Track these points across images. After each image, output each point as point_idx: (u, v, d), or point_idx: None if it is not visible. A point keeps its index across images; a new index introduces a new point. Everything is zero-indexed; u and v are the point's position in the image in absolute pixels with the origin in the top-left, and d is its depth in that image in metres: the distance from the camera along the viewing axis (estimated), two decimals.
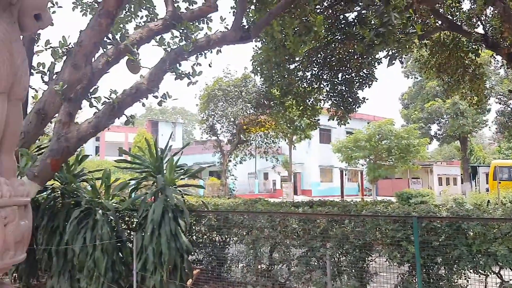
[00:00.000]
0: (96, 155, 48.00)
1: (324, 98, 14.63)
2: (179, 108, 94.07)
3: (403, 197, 21.77)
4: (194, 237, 7.05)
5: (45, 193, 6.78)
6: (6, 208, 2.40)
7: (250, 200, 10.42)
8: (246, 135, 17.87)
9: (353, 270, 5.95)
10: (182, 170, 6.48)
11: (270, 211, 6.50)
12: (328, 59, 13.38)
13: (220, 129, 18.20)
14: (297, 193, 39.77)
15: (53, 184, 6.91)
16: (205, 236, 7.14)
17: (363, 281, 5.92)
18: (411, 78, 44.05)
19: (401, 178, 41.18)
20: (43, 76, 6.54)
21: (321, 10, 11.09)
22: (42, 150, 7.02)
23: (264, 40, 11.81)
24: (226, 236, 7.04)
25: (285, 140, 20.13)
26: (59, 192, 6.71)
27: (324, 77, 13.98)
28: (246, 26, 8.21)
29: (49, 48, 6.20)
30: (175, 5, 8.01)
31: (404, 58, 14.48)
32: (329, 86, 14.15)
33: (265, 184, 43.00)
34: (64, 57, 6.12)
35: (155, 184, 6.40)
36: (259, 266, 6.60)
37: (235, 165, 19.22)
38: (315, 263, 6.26)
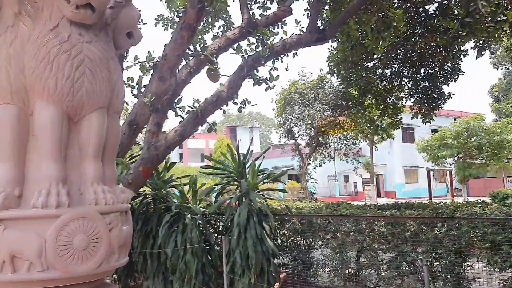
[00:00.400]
0: (180, 162, 50.30)
1: (406, 96, 14.02)
2: (255, 113, 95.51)
3: (498, 198, 20.04)
4: (279, 241, 7.09)
5: (138, 199, 7.21)
6: (110, 214, 2.58)
7: (332, 203, 10.25)
8: (325, 137, 17.62)
9: (449, 276, 5.59)
10: (264, 174, 6.55)
11: (355, 215, 6.34)
12: (408, 55, 12.80)
13: (298, 132, 18.13)
14: (380, 196, 38.42)
15: (145, 190, 7.34)
16: (290, 240, 7.14)
17: (461, 287, 5.54)
18: (501, 69, 40.64)
19: (495, 177, 38.09)
20: (132, 89, 6.99)
21: (399, 4, 10.64)
22: (135, 159, 7.50)
23: (339, 39, 11.61)
24: (311, 240, 6.99)
25: (365, 141, 19.56)
26: (150, 198, 7.11)
27: (405, 73, 13.38)
28: (321, 27, 8.13)
29: (137, 63, 6.61)
30: (250, 12, 8.17)
31: (493, 48, 13.41)
32: (411, 82, 13.53)
33: (346, 187, 42.10)
34: (151, 71, 6.50)
35: (239, 188, 6.54)
36: (347, 271, 6.45)
37: (315, 168, 19.02)
38: (406, 268, 5.99)
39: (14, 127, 2.46)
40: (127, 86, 7.02)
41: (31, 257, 2.30)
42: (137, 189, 6.75)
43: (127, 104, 7.34)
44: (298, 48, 7.90)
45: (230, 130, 58.82)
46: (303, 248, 7.07)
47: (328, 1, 9.26)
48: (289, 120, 17.51)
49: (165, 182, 7.17)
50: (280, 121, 17.89)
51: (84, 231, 2.42)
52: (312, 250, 7.04)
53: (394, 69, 13.69)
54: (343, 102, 14.87)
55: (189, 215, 6.46)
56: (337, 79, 15.03)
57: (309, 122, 16.92)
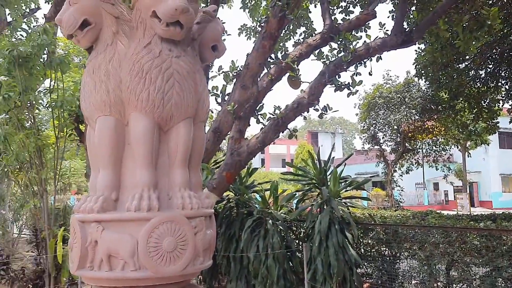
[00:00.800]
0: (262, 167, 51.05)
1: (503, 98, 12.94)
2: (338, 118, 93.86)
3: None
4: (362, 250, 6.90)
5: (222, 203, 7.46)
6: (195, 218, 2.72)
7: (420, 212, 9.75)
8: (412, 143, 16.81)
9: None
10: (347, 182, 6.43)
11: (445, 226, 5.97)
12: (505, 54, 11.80)
13: (383, 138, 17.50)
14: (473, 205, 35.66)
15: (228, 195, 7.58)
16: (373, 250, 6.92)
17: None
18: None
19: None
20: (217, 98, 7.27)
21: (494, 1, 9.87)
22: (218, 164, 7.78)
23: (427, 41, 11.06)
24: (396, 251, 6.71)
25: (457, 147, 18.30)
26: (233, 202, 7.31)
27: (502, 74, 12.35)
28: (407, 29, 7.80)
29: (221, 73, 6.87)
30: (332, 17, 8.09)
31: None
32: (508, 84, 12.46)
33: (435, 195, 39.68)
34: (234, 80, 6.71)
35: (320, 195, 6.48)
36: (435, 284, 6.09)
37: (401, 175, 18.20)
38: (502, 285, 5.51)
39: (112, 137, 2.70)
40: (212, 95, 7.32)
41: (125, 257, 2.50)
42: (221, 194, 6.98)
43: (212, 112, 7.64)
44: (383, 52, 7.65)
45: (311, 135, 58.47)
46: (388, 258, 6.80)
47: (415, 1, 8.86)
48: (373, 125, 16.97)
49: (247, 188, 7.34)
50: (364, 126, 17.41)
51: (172, 234, 2.57)
52: (398, 261, 6.75)
53: (489, 70, 12.71)
54: (432, 106, 14.08)
55: (270, 221, 6.54)
56: (425, 82, 14.30)
57: (395, 127, 16.25)
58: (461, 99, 13.47)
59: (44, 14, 13.58)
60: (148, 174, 2.67)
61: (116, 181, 2.71)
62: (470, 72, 12.92)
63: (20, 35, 14.14)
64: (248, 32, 10.97)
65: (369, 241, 6.90)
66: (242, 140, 7.15)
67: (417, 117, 15.69)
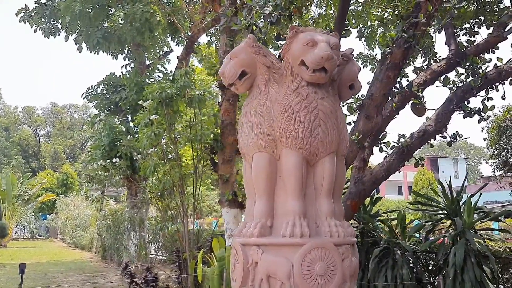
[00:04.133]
0: (376, 194, 49.29)
1: None
2: (460, 142, 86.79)
3: None
4: (501, 286, 6.40)
5: None
6: (342, 246, 2.95)
7: None
8: None
9: None
10: (482, 213, 6.10)
11: None
12: None
13: None
14: None
15: (352, 223, 7.64)
16: None
17: None
18: None
19: None
20: None
21: None
22: (343, 193, 7.92)
23: None
24: None
25: None
26: (358, 231, 7.35)
27: None
28: None
29: (345, 105, 7.10)
30: (458, 40, 7.87)
31: None
32: None
33: None
34: (358, 110, 6.88)
35: (452, 227, 6.23)
36: None
37: None
38: None
39: (266, 170, 3.09)
40: None
41: (282, 278, 2.82)
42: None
43: None
44: None
45: (431, 161, 54.94)
46: None
47: None
48: (505, 150, 15.57)
49: (372, 216, 7.33)
50: (494, 151, 16.06)
51: (322, 259, 2.84)
52: None
53: None
54: None
55: (398, 251, 6.44)
56: None
57: None
58: None
59: (177, 56, 15.24)
60: (299, 204, 2.99)
61: (270, 209, 3.08)
62: None
63: (158, 76, 15.95)
64: (365, 60, 11.07)
65: (510, 277, 6.38)
66: (365, 168, 7.23)
67: None
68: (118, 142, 11.54)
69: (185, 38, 15.48)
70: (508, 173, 16.03)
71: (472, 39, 9.20)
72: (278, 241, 2.91)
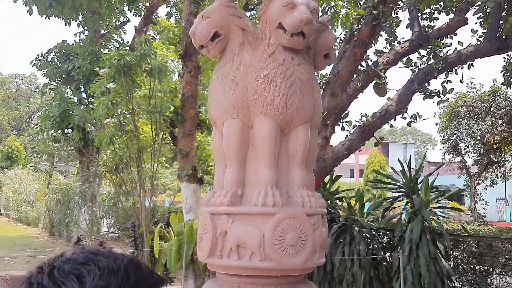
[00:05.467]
0: None
1: None
2: (409, 129, 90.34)
3: None
4: (451, 263, 6.69)
5: None
6: (314, 216, 2.88)
7: (507, 228, 9.20)
8: (497, 155, 15.88)
9: None
10: (438, 192, 6.30)
11: None
12: None
13: (464, 148, 16.69)
14: None
15: None
16: (464, 263, 6.69)
17: None
18: None
19: None
20: None
21: None
22: None
23: None
24: (489, 265, 6.43)
25: None
26: None
27: None
28: (503, 35, 7.50)
29: None
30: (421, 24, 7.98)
31: None
32: None
33: None
34: (323, 87, 6.85)
35: (409, 205, 6.40)
36: None
37: (485, 189, 17.21)
38: None
39: (238, 138, 2.95)
40: None
41: (253, 247, 2.72)
42: None
43: None
44: (475, 59, 7.42)
45: (382, 145, 56.82)
46: (480, 273, 6.54)
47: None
48: (454, 135, 16.27)
49: (332, 194, 7.41)
50: (444, 136, 16.74)
51: (294, 229, 2.76)
52: (491, 276, 6.47)
53: None
54: None
55: (356, 228, 6.56)
56: None
57: (478, 138, 15.48)
58: None
59: (134, 27, 14.61)
60: (271, 173, 2.88)
61: (241, 178, 2.95)
62: None
63: (114, 46, 15.25)
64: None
65: (459, 254, 6.67)
66: (327, 147, 7.25)
67: (503, 127, 14.82)
68: (70, 113, 10.99)
69: (144, 8, 14.84)
70: (457, 158, 16.83)
71: (432, 24, 9.40)
72: (250, 210, 2.81)
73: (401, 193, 6.46)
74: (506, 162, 16.90)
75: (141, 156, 7.56)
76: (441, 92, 7.10)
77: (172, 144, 8.55)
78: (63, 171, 24.85)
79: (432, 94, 7.13)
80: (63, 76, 13.29)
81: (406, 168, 6.43)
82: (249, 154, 2.99)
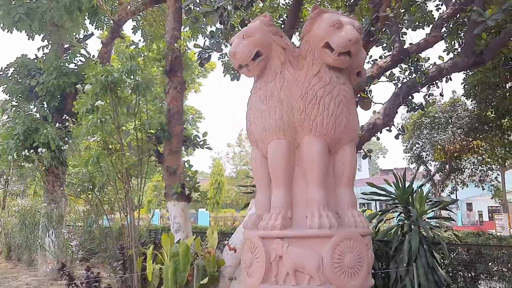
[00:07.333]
0: None
1: None
2: None
3: None
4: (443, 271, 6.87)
5: None
6: (366, 236, 2.87)
7: (472, 233, 9.59)
8: (457, 162, 16.71)
9: None
10: (431, 202, 6.47)
11: None
12: None
13: (426, 157, 17.44)
14: (511, 226, 34.64)
15: None
16: (455, 271, 6.89)
17: None
18: None
19: None
20: None
21: None
22: None
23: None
24: (476, 272, 6.66)
25: (496, 166, 18.07)
26: None
27: None
28: (478, 50, 7.91)
29: None
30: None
31: None
32: None
33: (469, 216, 38.80)
34: None
35: (402, 215, 6.53)
36: None
37: (449, 195, 18.02)
38: None
39: (285, 158, 2.89)
40: None
41: (311, 271, 2.65)
42: None
43: None
44: (453, 73, 7.76)
45: None
46: (468, 279, 6.76)
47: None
48: (416, 145, 16.96)
49: None
50: (407, 146, 17.41)
51: (351, 251, 2.72)
52: (480, 281, 6.70)
53: None
54: (478, 126, 14.07)
55: None
56: (471, 101, 14.23)
57: (438, 146, 16.21)
58: (507, 118, 13.39)
59: (101, 41, 14.15)
60: (322, 193, 2.84)
61: (289, 200, 2.89)
62: None
63: (80, 60, 14.71)
64: None
65: (449, 262, 6.87)
66: None
67: (462, 136, 15.63)
68: (35, 131, 10.42)
69: (112, 21, 14.42)
70: (422, 166, 17.53)
71: (402, 39, 9.76)
72: (306, 233, 2.74)
73: (396, 205, 6.59)
74: (465, 169, 17.82)
75: (129, 175, 7.26)
76: (424, 105, 7.36)
77: (158, 162, 8.28)
78: (17, 191, 23.44)
79: (416, 107, 7.38)
80: (25, 92, 12.62)
81: (398, 180, 6.57)
82: (296, 175, 2.94)
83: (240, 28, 7.25)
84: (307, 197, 2.86)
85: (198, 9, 5.92)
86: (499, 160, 16.05)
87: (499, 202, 27.84)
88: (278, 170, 2.88)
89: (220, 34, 5.72)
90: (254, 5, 6.23)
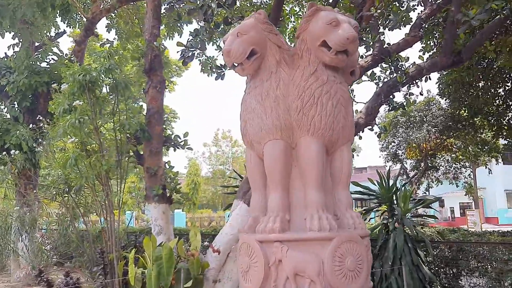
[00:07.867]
0: None
1: None
2: None
3: None
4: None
5: None
6: (365, 238, 2.82)
7: (448, 229, 9.80)
8: (432, 160, 17.04)
9: None
10: (415, 200, 6.53)
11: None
12: None
13: (402, 155, 17.72)
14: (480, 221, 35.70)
15: None
16: (438, 268, 6.99)
17: None
18: None
19: None
20: None
21: None
22: None
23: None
24: (458, 269, 6.78)
25: (468, 163, 18.56)
26: None
27: None
28: (456, 50, 8.04)
29: None
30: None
31: None
32: None
33: (441, 212, 39.76)
34: None
35: (389, 213, 6.57)
36: None
37: (425, 193, 18.38)
38: None
39: (282, 159, 2.81)
40: None
41: (312, 275, 2.58)
42: None
43: None
44: (433, 72, 7.87)
45: None
46: (451, 275, 6.87)
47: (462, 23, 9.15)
48: (392, 143, 17.22)
49: None
50: (383, 144, 17.65)
51: (352, 253, 2.67)
52: (461, 277, 6.82)
53: (508, 88, 13.00)
54: (452, 124, 14.37)
55: None
56: (446, 100, 14.51)
57: (414, 145, 16.49)
58: (480, 116, 13.70)
59: (74, 40, 13.76)
60: (320, 195, 2.78)
61: (287, 202, 2.82)
62: (490, 90, 13.17)
63: (52, 58, 14.25)
64: None
65: (434, 259, 6.96)
66: None
67: (437, 135, 15.91)
68: (5, 132, 10.03)
69: (85, 19, 14.03)
70: (398, 164, 17.79)
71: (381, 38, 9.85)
72: (306, 236, 2.67)
73: (380, 203, 6.62)
74: (440, 167, 18.18)
75: (108, 177, 7.04)
76: (405, 104, 7.43)
77: (137, 163, 8.06)
78: None
79: (397, 106, 7.44)
80: None
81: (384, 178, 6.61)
82: (293, 176, 2.87)
83: (224, 26, 7.16)
84: (305, 199, 2.79)
85: (178, 6, 5.78)
86: (471, 157, 16.47)
87: (471, 198, 28.65)
88: (275, 171, 2.80)
89: (205, 32, 5.60)
90: (237, 2, 6.14)
